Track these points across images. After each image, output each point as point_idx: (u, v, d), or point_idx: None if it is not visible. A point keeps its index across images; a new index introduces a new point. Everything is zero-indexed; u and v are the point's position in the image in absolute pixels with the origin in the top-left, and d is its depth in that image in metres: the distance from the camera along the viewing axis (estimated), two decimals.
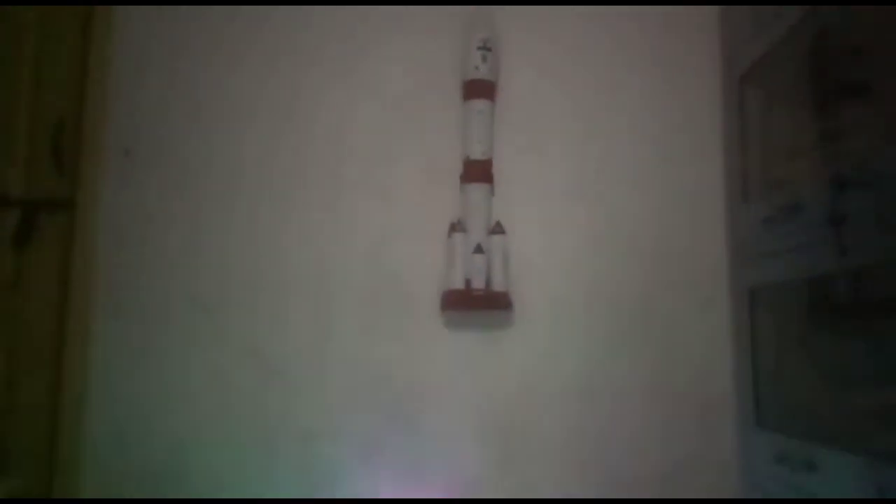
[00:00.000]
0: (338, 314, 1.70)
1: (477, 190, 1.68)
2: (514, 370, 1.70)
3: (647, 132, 1.78)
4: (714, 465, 1.64)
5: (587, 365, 1.70)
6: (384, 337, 1.70)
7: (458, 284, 1.64)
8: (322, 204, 1.73)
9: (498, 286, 1.66)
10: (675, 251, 1.74)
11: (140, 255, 1.70)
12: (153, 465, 1.63)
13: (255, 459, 1.64)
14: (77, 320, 1.65)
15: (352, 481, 1.63)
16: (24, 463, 1.59)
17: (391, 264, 1.72)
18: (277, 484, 1.63)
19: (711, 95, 1.78)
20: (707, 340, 1.70)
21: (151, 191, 1.72)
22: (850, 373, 1.19)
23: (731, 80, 1.72)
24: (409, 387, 1.68)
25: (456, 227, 1.67)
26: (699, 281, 1.73)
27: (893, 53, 1.09)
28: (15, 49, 1.65)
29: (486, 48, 1.69)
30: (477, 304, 1.65)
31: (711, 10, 1.79)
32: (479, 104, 1.69)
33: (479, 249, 1.65)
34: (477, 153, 1.68)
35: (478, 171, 1.69)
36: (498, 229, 1.68)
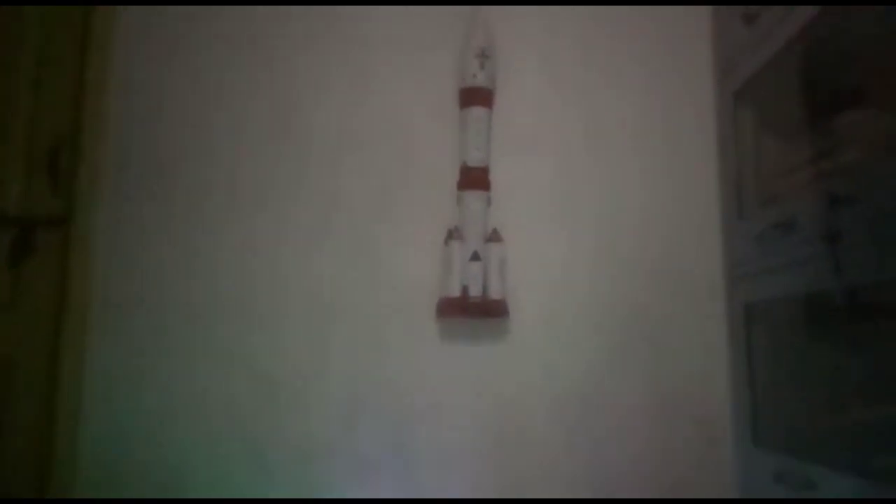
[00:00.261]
0: (334, 328, 1.69)
1: (474, 197, 1.68)
2: (511, 383, 1.69)
3: (642, 145, 1.79)
4: (712, 484, 1.63)
5: (584, 379, 1.69)
6: (380, 349, 1.69)
7: (455, 292, 1.64)
8: (318, 216, 1.73)
9: (495, 294, 1.65)
10: (672, 266, 1.74)
11: (136, 271, 1.69)
12: (147, 481, 1.61)
13: (249, 476, 1.62)
14: (73, 337, 1.65)
15: (348, 496, 1.62)
16: (18, 480, 1.57)
17: (388, 274, 1.71)
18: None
19: (706, 110, 1.79)
20: (704, 356, 1.70)
21: (148, 207, 1.72)
22: (848, 390, 1.18)
23: (724, 96, 1.72)
24: (406, 401, 1.67)
25: (453, 234, 1.67)
26: (696, 296, 1.72)
27: (885, 66, 1.09)
28: (12, 66, 1.66)
29: (484, 55, 1.69)
30: (473, 311, 1.64)
31: (705, 30, 1.81)
32: (477, 111, 1.69)
33: (475, 257, 1.65)
34: (474, 160, 1.68)
35: (475, 179, 1.68)
36: (495, 237, 1.68)
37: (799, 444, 1.33)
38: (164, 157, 1.74)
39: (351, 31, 1.79)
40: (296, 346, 1.68)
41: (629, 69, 1.81)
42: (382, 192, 1.74)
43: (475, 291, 1.64)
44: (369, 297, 1.70)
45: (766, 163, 1.56)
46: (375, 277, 1.71)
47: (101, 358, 1.66)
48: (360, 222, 1.73)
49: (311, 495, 1.61)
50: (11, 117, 1.65)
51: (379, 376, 1.68)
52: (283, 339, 1.69)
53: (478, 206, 1.68)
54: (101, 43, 1.75)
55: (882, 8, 1.08)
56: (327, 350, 1.68)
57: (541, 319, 1.72)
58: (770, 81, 1.50)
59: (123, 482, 1.61)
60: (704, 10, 1.82)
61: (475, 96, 1.69)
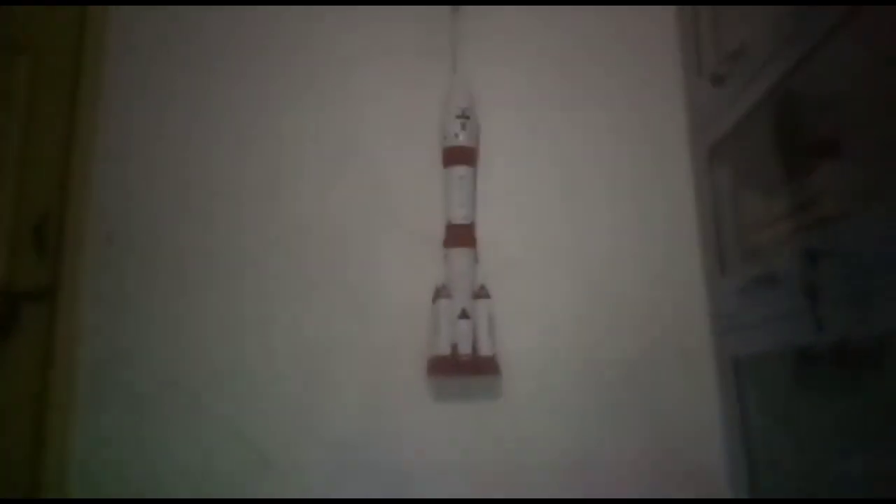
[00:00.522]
0: (323, 392, 1.67)
1: (460, 255, 1.68)
2: (504, 441, 1.66)
3: (621, 202, 1.81)
4: None
5: (578, 438, 1.67)
6: (371, 416, 1.66)
7: (445, 350, 1.62)
8: (305, 281, 1.72)
9: (485, 350, 1.64)
10: (659, 321, 1.73)
11: (123, 342, 1.67)
12: None
13: None
14: (58, 411, 1.62)
15: None
16: None
17: (377, 335, 1.70)
18: None
19: (683, 167, 1.81)
20: (697, 410, 1.67)
21: (134, 277, 1.71)
22: (841, 440, 1.17)
23: (699, 154, 1.75)
24: (396, 467, 1.63)
25: (441, 292, 1.67)
26: (684, 350, 1.71)
27: (855, 120, 1.12)
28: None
29: (464, 116, 1.73)
30: (464, 369, 1.62)
31: (677, 90, 1.85)
32: (460, 170, 1.72)
33: (464, 314, 1.64)
34: (459, 218, 1.70)
35: (460, 236, 1.69)
36: (482, 293, 1.68)
37: (797, 495, 1.31)
38: (149, 227, 1.74)
39: (335, 92, 1.83)
40: (284, 412, 1.65)
41: (606, 128, 1.85)
42: (369, 252, 1.75)
43: (465, 349, 1.62)
44: (359, 359, 1.69)
45: (745, 217, 1.57)
46: (365, 339, 1.70)
47: (87, 430, 1.62)
48: (348, 284, 1.73)
49: None
50: None
51: (370, 451, 1.64)
52: (272, 404, 1.65)
53: (464, 263, 1.68)
54: (87, 112, 1.77)
55: (848, 62, 1.11)
56: (317, 415, 1.65)
57: (532, 377, 1.70)
58: (742, 138, 1.53)
59: None
60: (676, 71, 1.86)
61: (458, 155, 1.72)
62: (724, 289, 1.62)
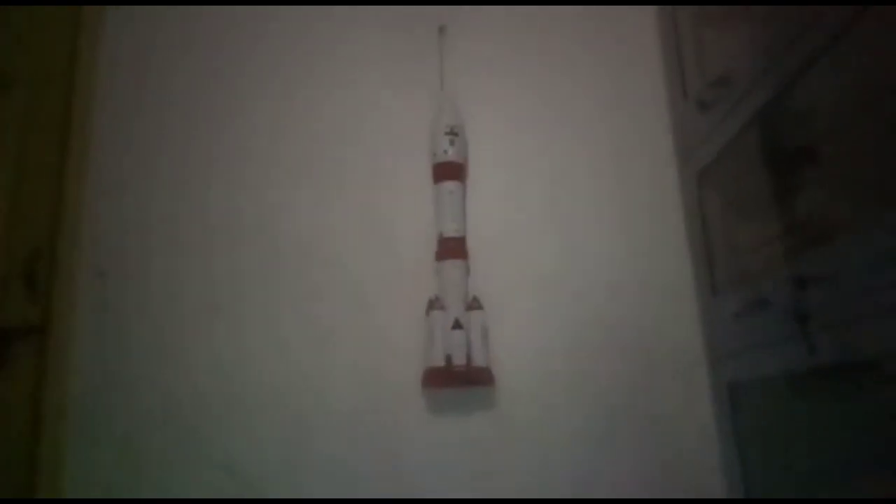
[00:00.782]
0: (316, 425, 1.67)
1: (452, 266, 1.71)
2: (499, 454, 1.68)
3: (612, 220, 1.82)
4: None
5: (570, 454, 1.67)
6: (366, 432, 1.67)
7: (439, 361, 1.64)
8: (295, 308, 1.74)
9: (479, 361, 1.66)
10: (653, 341, 1.73)
11: (113, 380, 1.67)
12: None
13: None
14: (49, 447, 1.60)
15: None
16: None
17: (371, 351, 1.72)
18: None
19: (672, 191, 1.82)
20: (692, 431, 1.66)
21: (126, 313, 1.72)
22: (838, 464, 1.16)
23: (688, 178, 1.76)
24: (390, 482, 1.64)
25: (434, 304, 1.70)
26: (679, 371, 1.71)
27: (843, 144, 1.12)
28: None
29: (453, 133, 1.77)
30: (459, 380, 1.64)
31: (665, 115, 1.87)
32: (450, 185, 1.76)
33: (457, 325, 1.67)
34: (450, 231, 1.73)
35: (452, 248, 1.73)
36: (475, 305, 1.70)
37: None
38: (141, 263, 1.75)
39: (326, 112, 1.87)
40: (276, 452, 1.65)
41: (594, 150, 1.87)
42: (363, 267, 1.77)
43: (459, 360, 1.65)
44: (353, 376, 1.70)
45: (735, 241, 1.57)
46: (358, 354, 1.72)
47: (78, 467, 1.61)
48: (337, 311, 1.74)
49: None
50: None
51: (364, 455, 1.65)
52: (264, 442, 1.65)
53: (456, 274, 1.71)
54: (79, 149, 1.78)
55: (831, 87, 1.12)
56: (309, 456, 1.65)
57: (526, 390, 1.70)
58: (729, 163, 1.54)
59: None
60: (662, 96, 1.88)
61: (447, 171, 1.76)
62: (717, 312, 1.62)
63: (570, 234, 1.82)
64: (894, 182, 0.98)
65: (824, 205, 1.17)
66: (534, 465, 1.67)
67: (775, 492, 1.40)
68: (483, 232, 1.79)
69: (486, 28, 1.95)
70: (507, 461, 1.67)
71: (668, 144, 1.86)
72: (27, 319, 1.63)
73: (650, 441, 1.68)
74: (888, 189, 0.99)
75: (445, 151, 1.76)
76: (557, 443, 1.68)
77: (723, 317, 1.57)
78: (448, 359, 1.64)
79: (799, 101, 1.23)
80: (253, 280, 1.75)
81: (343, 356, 1.72)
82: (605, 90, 1.92)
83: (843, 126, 1.11)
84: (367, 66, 1.91)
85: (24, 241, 1.67)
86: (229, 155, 1.84)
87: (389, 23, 1.93)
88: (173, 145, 1.84)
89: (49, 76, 1.79)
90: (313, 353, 1.72)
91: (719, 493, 1.60)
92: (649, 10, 1.95)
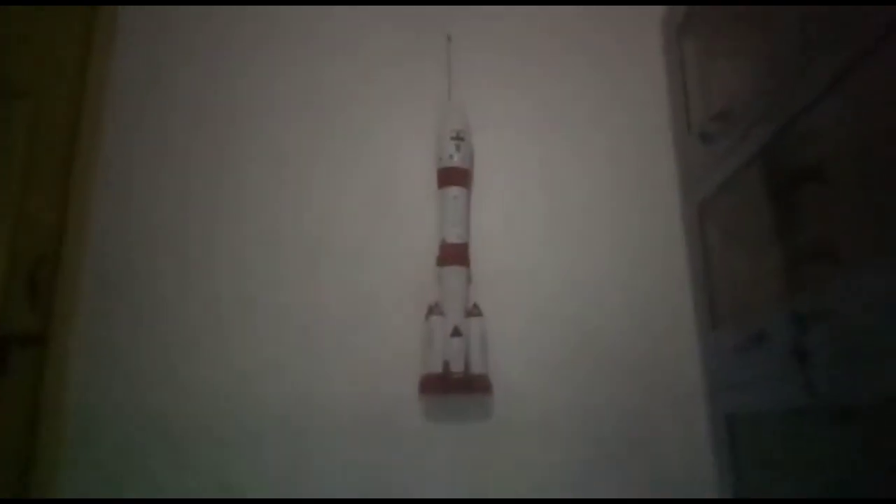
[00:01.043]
0: (313, 433, 1.65)
1: (453, 273, 1.70)
2: (494, 464, 1.65)
3: (614, 243, 1.81)
4: None
5: (566, 469, 1.65)
6: (361, 453, 1.64)
7: (437, 368, 1.62)
8: (297, 320, 1.72)
9: (477, 368, 1.63)
10: (652, 371, 1.71)
11: (112, 391, 1.65)
12: None
13: None
14: (46, 455, 1.59)
15: None
16: None
17: (369, 356, 1.70)
18: None
19: (676, 220, 1.81)
20: (690, 461, 1.64)
21: (126, 325, 1.70)
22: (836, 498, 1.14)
23: (689, 209, 1.76)
24: (388, 487, 1.62)
25: (433, 310, 1.67)
26: (678, 402, 1.69)
27: (843, 183, 1.12)
28: None
29: (459, 138, 1.76)
30: (456, 387, 1.61)
31: (669, 142, 1.87)
32: (454, 191, 1.74)
33: (456, 332, 1.65)
34: (453, 237, 1.72)
35: (454, 255, 1.71)
36: (475, 312, 1.68)
37: None
38: (142, 275, 1.74)
39: (333, 115, 1.87)
40: (271, 471, 1.62)
41: (598, 177, 1.85)
42: (366, 272, 1.76)
43: (457, 367, 1.62)
44: (350, 386, 1.69)
45: (735, 274, 1.56)
46: (356, 360, 1.70)
47: (75, 477, 1.59)
48: (338, 317, 1.73)
49: None
50: None
51: (362, 460, 1.63)
52: (259, 461, 1.63)
53: (457, 281, 1.69)
54: (85, 158, 1.77)
55: (835, 126, 1.12)
56: (304, 472, 1.63)
57: (523, 402, 1.68)
58: (732, 196, 1.53)
59: None
60: (668, 128, 1.88)
61: (452, 176, 1.75)
62: (716, 345, 1.61)
63: (571, 255, 1.80)
64: None
65: (826, 241, 1.16)
66: (529, 475, 1.63)
67: None
68: (486, 241, 1.78)
69: (494, 40, 1.95)
70: (502, 470, 1.64)
71: (671, 175, 1.85)
72: (28, 328, 1.62)
73: (643, 464, 1.65)
74: (890, 227, 0.98)
75: (451, 156, 1.75)
76: (552, 455, 1.65)
77: (722, 349, 1.56)
78: (446, 365, 1.62)
79: (801, 136, 1.22)
80: (256, 292, 1.74)
81: (342, 362, 1.70)
82: (612, 114, 1.91)
83: (846, 163, 1.10)
84: (374, 72, 1.91)
85: (29, 251, 1.65)
86: (235, 165, 1.83)
87: (397, 28, 1.94)
88: (180, 162, 1.83)
89: (58, 85, 1.79)
90: (313, 361, 1.70)
91: None
92: (656, 35, 1.96)
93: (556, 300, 1.76)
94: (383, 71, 1.91)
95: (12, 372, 1.58)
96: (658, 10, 1.95)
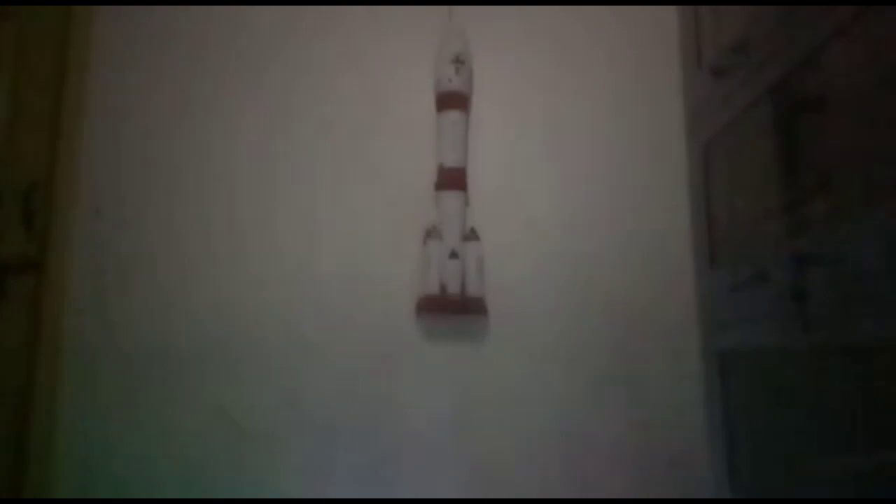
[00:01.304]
0: (310, 365, 1.69)
1: (451, 197, 1.71)
2: (489, 383, 1.70)
3: (613, 176, 1.80)
4: None
5: (559, 398, 1.69)
6: (358, 373, 1.68)
7: (434, 289, 1.65)
8: (298, 243, 1.74)
9: (473, 291, 1.67)
10: (647, 305, 1.73)
11: (109, 318, 1.68)
12: None
13: None
14: (45, 381, 1.62)
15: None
16: None
17: (366, 279, 1.73)
18: None
19: (679, 158, 1.79)
20: (679, 396, 1.67)
21: (122, 251, 1.72)
22: (823, 438, 1.16)
23: (695, 146, 1.73)
24: (388, 407, 1.67)
25: (431, 233, 1.69)
26: (670, 337, 1.71)
27: (854, 124, 1.09)
28: None
29: (459, 61, 1.74)
30: (452, 308, 1.65)
31: (676, 81, 1.82)
32: (453, 115, 1.73)
33: (453, 255, 1.67)
34: (451, 161, 1.72)
35: (452, 179, 1.71)
36: (472, 236, 1.70)
37: (775, 490, 1.31)
38: (138, 201, 1.74)
39: (327, 35, 1.84)
40: (271, 395, 1.67)
41: (602, 112, 1.83)
42: (361, 197, 1.77)
43: (453, 289, 1.65)
44: (349, 294, 1.72)
45: (737, 213, 1.54)
46: (354, 284, 1.73)
47: (73, 405, 1.63)
48: (334, 253, 1.74)
49: None
50: None
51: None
52: (259, 386, 1.67)
53: (455, 205, 1.70)
54: (75, 85, 1.75)
55: (850, 65, 1.09)
56: (304, 398, 1.67)
57: (519, 324, 1.72)
58: (739, 134, 1.51)
59: None
60: (675, 60, 1.83)
61: (450, 100, 1.74)
62: (713, 283, 1.62)
63: (569, 185, 1.80)
64: None
65: (833, 185, 1.14)
66: (521, 396, 1.69)
67: (758, 460, 1.41)
68: (484, 166, 1.78)
69: None
70: (496, 390, 1.70)
71: (677, 109, 1.82)
72: (23, 255, 1.64)
73: (633, 392, 1.69)
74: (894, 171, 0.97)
75: (450, 80, 1.73)
76: (545, 377, 1.70)
77: (720, 288, 1.56)
78: (443, 287, 1.65)
79: (817, 74, 1.19)
80: (250, 217, 1.75)
81: (339, 285, 1.73)
82: (618, 45, 1.86)
83: (860, 105, 1.08)
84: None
85: (21, 177, 1.66)
86: (227, 90, 1.81)
87: None
88: (172, 85, 1.81)
89: (46, 12, 1.75)
90: (310, 284, 1.73)
91: (703, 458, 1.61)
92: None
93: (553, 229, 1.78)
94: None
95: (10, 297, 1.62)
96: None
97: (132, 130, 1.78)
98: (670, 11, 1.85)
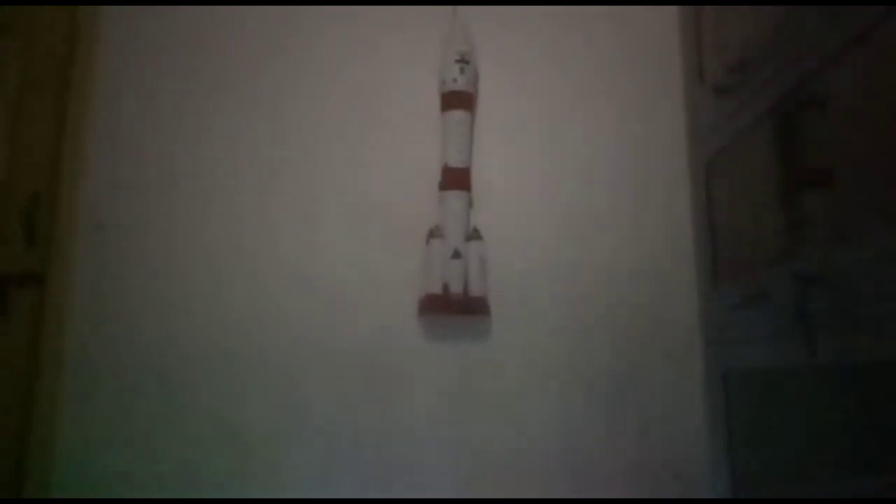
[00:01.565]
0: (311, 364, 1.68)
1: (455, 197, 1.71)
2: (491, 381, 1.70)
3: (617, 181, 1.81)
4: None
5: (559, 410, 1.69)
6: (360, 374, 1.68)
7: (436, 289, 1.66)
8: (297, 253, 1.74)
9: (475, 291, 1.67)
10: (650, 322, 1.73)
11: (110, 331, 1.67)
12: None
13: None
14: (46, 395, 1.62)
15: None
16: None
17: (370, 280, 1.73)
18: None
19: (681, 176, 1.79)
20: (682, 412, 1.68)
21: (123, 264, 1.71)
22: (825, 458, 1.16)
23: (697, 164, 1.73)
24: (387, 410, 1.67)
25: (434, 232, 1.70)
26: (674, 355, 1.71)
27: (854, 148, 1.10)
28: None
29: (463, 61, 1.74)
30: (454, 308, 1.65)
31: (679, 99, 1.83)
32: (457, 115, 1.74)
33: (456, 254, 1.67)
34: (455, 161, 1.72)
35: (456, 179, 1.72)
36: (475, 235, 1.71)
37: None
38: (138, 214, 1.73)
39: (336, 38, 1.84)
40: (270, 408, 1.66)
41: (606, 123, 1.84)
42: (365, 199, 1.77)
43: (456, 289, 1.66)
44: (352, 293, 1.72)
45: (740, 232, 1.54)
46: (358, 282, 1.73)
47: (74, 417, 1.63)
48: (337, 253, 1.74)
49: None
50: None
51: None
52: (258, 381, 1.67)
53: (458, 205, 1.71)
54: (79, 98, 1.74)
55: (851, 87, 1.09)
56: (302, 410, 1.67)
57: (521, 326, 1.72)
58: (741, 153, 1.51)
59: None
60: (678, 79, 1.84)
61: (455, 100, 1.74)
62: (716, 302, 1.62)
63: (571, 190, 1.80)
64: None
65: (835, 203, 1.15)
66: (521, 395, 1.69)
67: (760, 480, 1.41)
68: (488, 166, 1.78)
69: None
70: (497, 390, 1.70)
71: (679, 126, 1.82)
72: (25, 268, 1.64)
73: (635, 394, 1.70)
74: None
75: (455, 80, 1.73)
76: (546, 380, 1.71)
77: (723, 307, 1.56)
78: (445, 287, 1.65)
79: (819, 93, 1.18)
80: (251, 229, 1.74)
81: (342, 284, 1.73)
82: (622, 65, 1.87)
83: (860, 125, 1.08)
84: None
85: (23, 190, 1.66)
86: (231, 93, 1.80)
87: None
88: (173, 99, 1.79)
89: (51, 27, 1.75)
90: (311, 283, 1.72)
91: (705, 476, 1.62)
92: None
93: (556, 233, 1.78)
94: None
95: (11, 311, 1.62)
96: None
97: (133, 143, 1.77)
98: (674, 25, 1.86)
